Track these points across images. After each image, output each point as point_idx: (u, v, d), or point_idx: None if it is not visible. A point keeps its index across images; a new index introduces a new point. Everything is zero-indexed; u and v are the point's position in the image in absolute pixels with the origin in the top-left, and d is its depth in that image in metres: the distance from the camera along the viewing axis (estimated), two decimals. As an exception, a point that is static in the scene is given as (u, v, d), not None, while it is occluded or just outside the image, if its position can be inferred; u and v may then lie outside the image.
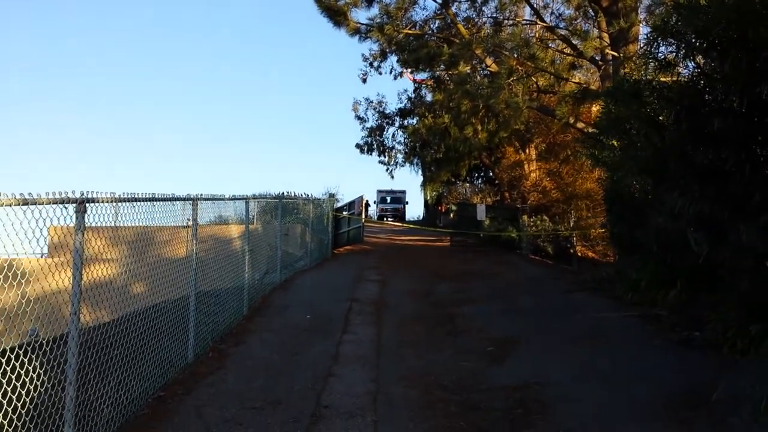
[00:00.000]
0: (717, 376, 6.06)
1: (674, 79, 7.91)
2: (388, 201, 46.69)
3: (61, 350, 4.69)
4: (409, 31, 19.45)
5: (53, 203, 4.51)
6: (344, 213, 23.35)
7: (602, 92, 12.99)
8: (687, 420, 5.37)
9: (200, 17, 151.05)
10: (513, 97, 16.07)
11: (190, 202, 7.89)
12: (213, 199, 9.04)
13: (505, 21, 19.28)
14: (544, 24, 18.32)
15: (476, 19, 19.77)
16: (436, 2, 19.03)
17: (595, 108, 17.15)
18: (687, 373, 6.56)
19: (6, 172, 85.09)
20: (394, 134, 35.33)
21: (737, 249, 6.37)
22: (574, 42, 17.25)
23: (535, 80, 18.31)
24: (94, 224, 5.19)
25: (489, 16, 19.58)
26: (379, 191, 46.68)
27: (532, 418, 5.79)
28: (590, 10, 17.43)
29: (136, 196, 6.01)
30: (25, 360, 4.28)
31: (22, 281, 4.30)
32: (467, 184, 41.62)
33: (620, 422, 5.57)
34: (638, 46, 14.43)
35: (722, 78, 6.62)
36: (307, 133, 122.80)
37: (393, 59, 23.87)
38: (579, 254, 21.78)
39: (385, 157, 35.58)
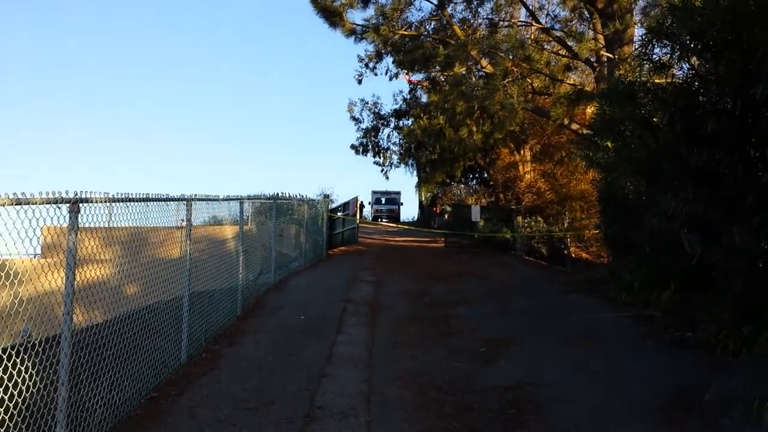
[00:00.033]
0: (709, 376, 6.08)
1: (669, 80, 7.94)
2: (383, 202, 46.62)
3: (54, 351, 4.67)
4: (405, 32, 19.47)
5: (47, 203, 4.49)
6: (339, 214, 23.36)
7: (597, 94, 13.00)
8: (679, 420, 5.39)
9: (200, 17, 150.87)
10: (508, 99, 16.12)
11: (184, 202, 7.87)
12: (207, 199, 9.02)
13: (501, 22, 19.30)
14: (540, 25, 18.35)
15: (472, 21, 19.81)
16: (431, 3, 19.10)
17: (589, 109, 17.16)
18: (680, 373, 6.58)
19: (6, 172, 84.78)
20: (389, 135, 35.42)
21: (730, 250, 6.39)
22: (569, 43, 17.30)
23: (530, 82, 18.34)
24: (87, 225, 5.17)
25: (484, 17, 19.63)
26: (374, 192, 46.62)
27: (525, 418, 5.80)
28: (585, 12, 17.49)
29: (129, 196, 5.99)
30: (18, 360, 4.26)
31: (15, 281, 4.28)
32: (462, 186, 41.63)
33: (614, 422, 5.58)
34: (633, 48, 14.48)
35: (716, 79, 6.65)
36: (307, 133, 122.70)
37: (388, 60, 23.87)
38: (573, 255, 21.82)
39: (380, 158, 35.64)
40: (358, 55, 26.73)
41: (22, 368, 4.27)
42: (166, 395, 6.45)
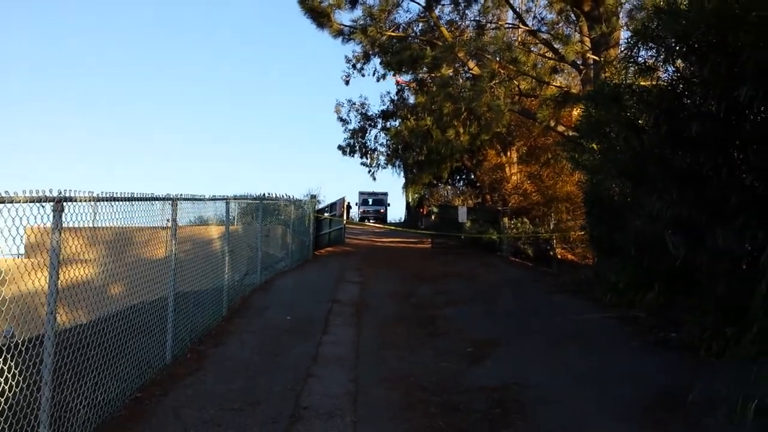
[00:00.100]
0: (693, 377, 6.13)
1: (654, 83, 8.01)
2: (370, 203, 46.60)
3: (37, 350, 4.63)
4: (393, 34, 19.49)
5: (30, 202, 4.44)
6: (326, 215, 23.30)
7: (583, 96, 13.10)
8: (663, 421, 5.42)
9: (200, 17, 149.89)
10: (495, 100, 16.18)
11: (170, 202, 7.82)
12: (193, 199, 8.97)
13: (488, 24, 19.39)
14: (527, 28, 18.45)
15: (459, 23, 19.90)
16: (419, 5, 19.14)
17: (575, 112, 17.28)
18: (664, 374, 6.62)
19: (6, 172, 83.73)
20: (376, 136, 35.50)
21: (714, 252, 6.44)
22: (555, 46, 17.38)
23: (517, 84, 18.43)
24: (71, 224, 5.13)
25: (472, 19, 19.73)
26: (361, 193, 46.60)
27: (511, 418, 5.81)
28: (572, 15, 17.59)
29: (114, 195, 5.94)
30: (0, 360, 4.22)
31: (-2, 281, 4.23)
32: (449, 187, 41.79)
33: (599, 423, 5.61)
34: (619, 51, 14.58)
35: (701, 82, 6.71)
36: (307, 134, 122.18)
37: (376, 61, 23.88)
38: (559, 256, 21.91)
39: (367, 158, 35.70)
40: (346, 56, 26.69)
41: (5, 368, 4.22)
42: (151, 395, 6.41)
